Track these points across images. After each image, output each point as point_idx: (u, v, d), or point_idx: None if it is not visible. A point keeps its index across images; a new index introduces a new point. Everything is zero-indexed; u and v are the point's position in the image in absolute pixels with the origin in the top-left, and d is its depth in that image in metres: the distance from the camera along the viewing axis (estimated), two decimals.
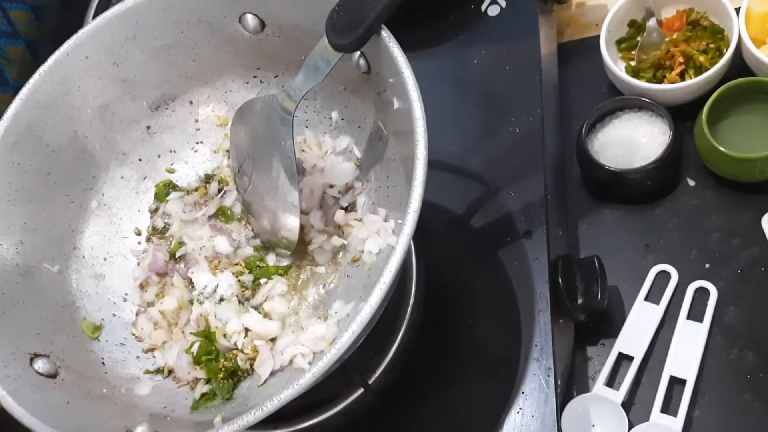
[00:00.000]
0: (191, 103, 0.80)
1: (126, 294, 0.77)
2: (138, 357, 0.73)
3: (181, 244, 0.77)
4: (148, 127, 0.80)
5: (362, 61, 0.66)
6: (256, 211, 0.75)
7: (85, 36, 0.72)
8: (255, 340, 0.69)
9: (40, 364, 0.65)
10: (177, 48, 0.76)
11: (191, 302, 0.74)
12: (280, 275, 0.73)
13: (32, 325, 0.68)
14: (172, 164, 0.81)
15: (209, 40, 0.75)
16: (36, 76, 0.71)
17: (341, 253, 0.73)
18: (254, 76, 0.79)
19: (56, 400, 0.63)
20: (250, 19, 0.72)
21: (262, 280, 0.73)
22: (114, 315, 0.75)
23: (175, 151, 0.81)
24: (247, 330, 0.70)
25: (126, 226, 0.79)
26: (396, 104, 0.63)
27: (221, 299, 0.73)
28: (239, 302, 0.73)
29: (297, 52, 0.69)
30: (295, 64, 0.67)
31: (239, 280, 0.74)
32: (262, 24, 0.72)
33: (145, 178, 0.80)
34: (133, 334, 0.74)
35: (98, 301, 0.75)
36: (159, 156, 0.81)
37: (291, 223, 0.70)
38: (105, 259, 0.77)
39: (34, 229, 0.72)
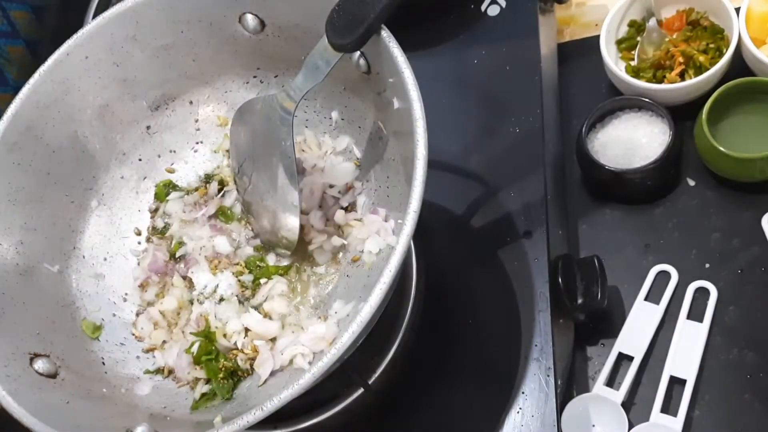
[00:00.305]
0: (191, 103, 0.80)
1: (126, 294, 0.77)
2: (138, 357, 0.73)
3: (181, 244, 0.77)
4: (148, 127, 0.80)
5: (362, 61, 0.66)
6: (256, 211, 0.75)
7: (85, 36, 0.72)
8: (255, 340, 0.69)
9: (40, 364, 0.65)
10: (177, 48, 0.76)
11: (191, 302, 0.74)
12: (280, 275, 0.73)
13: (32, 325, 0.68)
14: (172, 164, 0.81)
15: (209, 40, 0.75)
16: (36, 76, 0.71)
17: (341, 253, 0.73)
18: (254, 76, 0.79)
19: (56, 400, 0.63)
20: (250, 19, 0.72)
21: (262, 280, 0.73)
22: (114, 315, 0.75)
23: (175, 151, 0.81)
24: (247, 330, 0.70)
25: (126, 226, 0.79)
26: (396, 104, 0.63)
27: (221, 299, 0.73)
28: (239, 302, 0.73)
29: (297, 52, 0.69)
30: (295, 64, 0.67)
31: (239, 280, 0.74)
32: (262, 24, 0.72)
33: (145, 178, 0.80)
34: (133, 334, 0.74)
35: (98, 301, 0.75)
36: (159, 156, 0.81)
37: (291, 223, 0.70)
38: (105, 259, 0.77)
39: (34, 229, 0.72)
